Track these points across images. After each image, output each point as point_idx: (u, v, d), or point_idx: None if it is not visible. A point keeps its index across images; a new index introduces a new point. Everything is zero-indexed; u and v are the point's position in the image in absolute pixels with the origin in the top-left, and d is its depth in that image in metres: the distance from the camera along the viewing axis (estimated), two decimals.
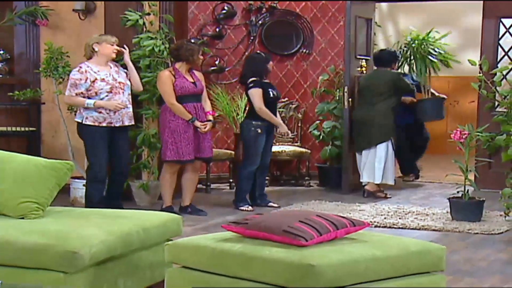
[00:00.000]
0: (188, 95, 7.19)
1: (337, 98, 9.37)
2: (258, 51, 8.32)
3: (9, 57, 8.56)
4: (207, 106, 7.38)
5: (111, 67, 7.00)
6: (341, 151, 9.09)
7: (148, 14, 7.85)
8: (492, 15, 9.08)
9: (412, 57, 10.35)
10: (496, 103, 8.63)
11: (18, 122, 8.17)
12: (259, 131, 7.66)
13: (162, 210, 6.76)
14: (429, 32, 10.39)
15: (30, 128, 8.27)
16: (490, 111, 8.74)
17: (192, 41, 8.53)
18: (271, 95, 7.69)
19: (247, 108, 8.18)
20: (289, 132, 8.09)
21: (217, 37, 9.46)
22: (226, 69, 9.49)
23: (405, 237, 4.37)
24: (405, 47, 10.48)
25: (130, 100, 7.05)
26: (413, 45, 10.28)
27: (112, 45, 6.96)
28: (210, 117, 7.33)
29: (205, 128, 7.22)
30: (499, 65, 8.77)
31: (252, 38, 9.58)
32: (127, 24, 7.76)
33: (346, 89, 8.78)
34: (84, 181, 7.56)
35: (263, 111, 7.61)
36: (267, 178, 9.29)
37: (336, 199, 8.33)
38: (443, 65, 10.50)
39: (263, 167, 7.86)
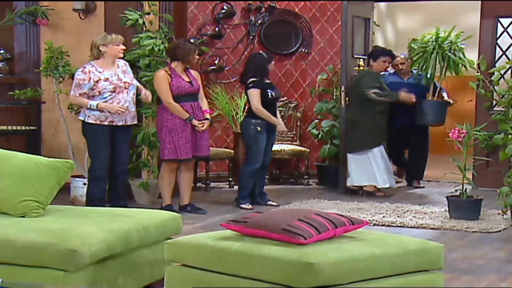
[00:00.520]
0: (185, 94, 7.22)
1: (336, 97, 9.39)
2: (261, 51, 8.33)
3: (9, 56, 8.58)
4: (204, 105, 7.41)
5: (118, 66, 7.01)
6: (340, 150, 9.11)
7: (148, 13, 7.87)
8: (490, 14, 9.10)
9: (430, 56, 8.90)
10: (494, 102, 8.67)
11: (19, 121, 8.18)
12: (259, 129, 7.69)
13: (161, 208, 6.78)
14: (451, 31, 8.89)
15: (31, 127, 8.28)
16: (488, 110, 8.77)
17: (192, 41, 8.56)
18: (269, 95, 7.71)
19: (246, 107, 8.21)
20: (287, 129, 8.10)
21: (216, 37, 9.48)
22: (226, 69, 9.51)
23: (403, 235, 4.40)
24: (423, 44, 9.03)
25: (135, 99, 7.07)
26: (433, 43, 8.86)
27: (118, 45, 6.97)
28: (207, 116, 7.36)
29: (202, 126, 7.25)
30: (497, 65, 8.80)
31: (251, 37, 9.60)
32: (127, 24, 7.77)
33: (343, 88, 8.80)
34: (85, 180, 7.61)
35: (259, 111, 7.64)
36: (266, 177, 9.35)
37: (334, 198, 8.35)
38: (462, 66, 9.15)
39: (263, 166, 7.89)
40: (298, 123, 9.73)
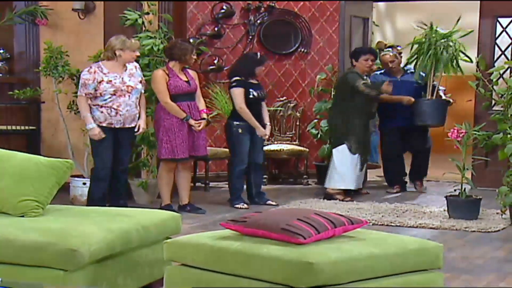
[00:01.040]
0: (182, 94, 7.23)
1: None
2: (257, 52, 8.32)
3: (9, 56, 8.58)
4: (201, 105, 7.43)
5: (126, 69, 6.99)
6: None
7: (147, 13, 7.88)
8: (489, 14, 9.11)
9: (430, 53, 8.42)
10: (493, 102, 8.67)
11: (18, 120, 8.19)
12: (240, 131, 7.70)
13: (161, 208, 6.78)
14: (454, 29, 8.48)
15: (30, 127, 8.29)
16: (487, 109, 8.77)
17: (191, 40, 8.57)
18: (251, 95, 7.70)
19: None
20: (268, 134, 7.94)
21: (215, 37, 9.48)
22: (225, 68, 9.51)
23: (402, 235, 4.41)
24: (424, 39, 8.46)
25: (137, 103, 7.05)
26: (433, 39, 8.37)
27: (134, 51, 6.98)
28: (204, 115, 7.38)
29: (199, 126, 7.26)
30: (496, 64, 8.81)
31: (250, 37, 9.60)
32: (126, 24, 7.78)
33: None
34: (84, 180, 7.63)
35: (243, 110, 7.64)
36: (265, 176, 9.35)
37: (334, 197, 8.36)
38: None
39: (256, 166, 7.87)
40: (297, 123, 9.74)
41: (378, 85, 8.18)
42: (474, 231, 6.72)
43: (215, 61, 9.46)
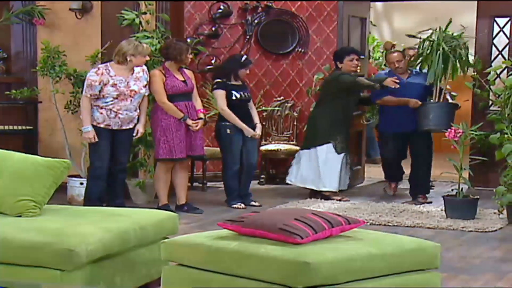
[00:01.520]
0: (179, 93, 7.23)
1: None
2: (243, 55, 8.28)
3: (6, 56, 8.56)
4: (198, 104, 7.43)
5: (133, 73, 6.98)
6: None
7: (145, 13, 7.87)
8: (486, 14, 9.11)
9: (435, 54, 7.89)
10: (490, 102, 8.68)
11: (15, 120, 8.18)
12: (229, 131, 7.70)
13: (158, 208, 6.78)
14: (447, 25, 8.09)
15: (27, 127, 8.28)
16: (484, 109, 8.79)
17: (188, 40, 8.57)
18: (234, 97, 7.70)
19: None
20: (256, 134, 7.91)
21: (213, 36, 9.48)
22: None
23: (400, 235, 4.41)
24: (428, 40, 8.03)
25: (137, 107, 7.04)
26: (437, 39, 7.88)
27: (145, 56, 6.97)
28: (201, 115, 7.38)
29: (196, 126, 7.26)
30: (493, 64, 8.81)
31: (248, 37, 9.60)
32: (124, 23, 7.77)
33: None
34: (81, 179, 7.63)
35: (225, 112, 7.64)
36: (262, 176, 9.36)
37: (331, 197, 8.36)
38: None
39: (248, 167, 7.86)
40: (295, 123, 9.73)
41: (381, 79, 8.07)
42: (471, 231, 6.72)
43: (213, 61, 9.45)
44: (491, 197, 7.37)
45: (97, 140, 6.91)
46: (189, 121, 7.22)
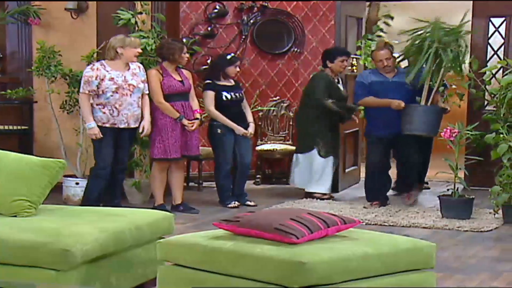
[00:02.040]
0: (176, 93, 7.23)
1: None
2: (230, 53, 8.28)
3: (1, 56, 8.55)
4: (195, 105, 7.43)
5: (129, 69, 6.98)
6: None
7: (140, 13, 7.86)
8: (481, 14, 9.13)
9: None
10: (486, 102, 8.70)
11: (11, 120, 8.17)
12: (219, 131, 7.70)
13: (154, 208, 6.78)
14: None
15: (23, 127, 8.27)
16: (479, 109, 8.80)
17: (184, 40, 8.56)
18: (224, 98, 7.70)
19: None
20: (247, 132, 7.90)
21: (208, 36, 9.47)
22: None
23: (395, 234, 4.41)
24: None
25: (139, 103, 7.04)
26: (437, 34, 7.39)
27: (136, 48, 6.96)
28: (198, 115, 7.38)
29: (192, 126, 7.26)
30: (488, 64, 8.83)
31: (243, 37, 9.60)
32: (119, 23, 7.76)
33: None
34: (77, 179, 7.62)
35: (212, 113, 7.64)
36: (258, 176, 9.35)
37: (327, 197, 8.37)
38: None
39: (242, 167, 7.86)
40: (291, 123, 9.73)
41: (352, 109, 8.12)
42: (466, 230, 6.73)
43: (208, 61, 9.45)
44: (486, 196, 7.38)
45: (102, 136, 6.87)
46: (185, 121, 7.22)
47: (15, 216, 4.22)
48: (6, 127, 8.05)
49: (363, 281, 3.62)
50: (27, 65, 8.23)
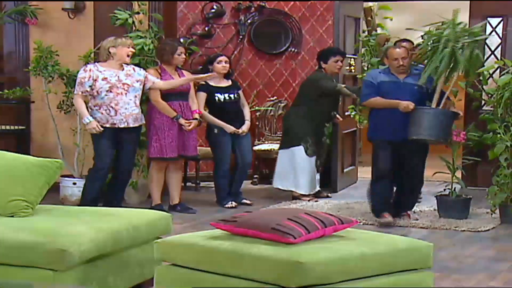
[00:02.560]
0: (174, 93, 7.24)
1: None
2: (217, 53, 8.29)
3: None
4: (194, 105, 7.43)
5: (123, 69, 6.96)
6: (330, 148, 9.09)
7: (138, 13, 7.86)
8: (478, 14, 9.12)
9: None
10: (483, 102, 8.70)
11: (8, 120, 8.17)
12: (216, 131, 7.73)
13: (151, 208, 6.78)
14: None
15: (20, 127, 8.27)
16: (477, 109, 8.80)
17: (181, 40, 8.55)
18: (217, 99, 7.71)
19: None
20: (239, 131, 7.79)
21: (206, 36, 9.47)
22: None
23: (392, 234, 4.41)
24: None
25: (137, 102, 7.01)
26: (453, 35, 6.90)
27: (128, 47, 6.96)
28: (196, 116, 7.38)
29: (189, 126, 7.26)
30: (485, 64, 8.83)
31: (241, 37, 9.60)
32: (117, 23, 7.76)
33: None
34: (74, 179, 7.61)
35: (202, 115, 7.62)
36: (255, 176, 9.35)
37: (324, 197, 8.37)
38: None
39: (244, 166, 7.87)
40: None
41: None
42: (464, 230, 6.73)
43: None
44: (484, 196, 7.38)
45: (101, 129, 6.85)
46: (182, 121, 7.22)
47: (12, 216, 4.21)
48: (3, 127, 8.05)
49: (361, 281, 3.62)
50: (24, 65, 8.23)
